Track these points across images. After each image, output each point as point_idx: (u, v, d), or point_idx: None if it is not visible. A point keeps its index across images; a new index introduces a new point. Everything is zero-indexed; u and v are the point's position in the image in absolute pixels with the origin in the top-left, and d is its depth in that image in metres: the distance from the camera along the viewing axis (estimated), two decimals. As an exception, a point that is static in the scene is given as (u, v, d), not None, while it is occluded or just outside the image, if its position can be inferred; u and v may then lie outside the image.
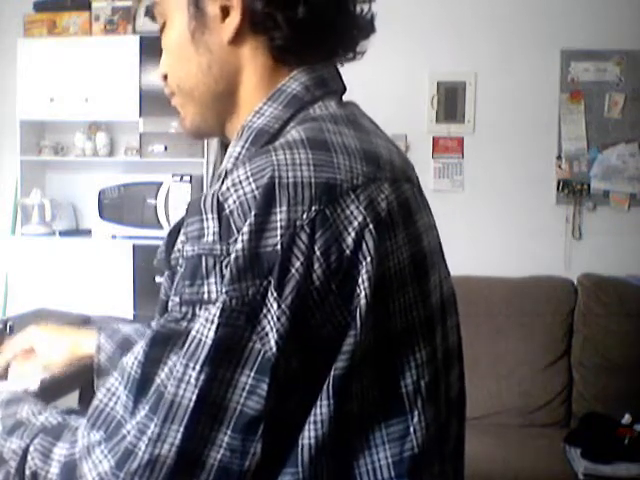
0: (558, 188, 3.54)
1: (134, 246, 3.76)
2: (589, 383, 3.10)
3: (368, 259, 0.68)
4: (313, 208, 0.67)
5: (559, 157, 3.54)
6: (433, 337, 0.76)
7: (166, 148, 3.91)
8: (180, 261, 0.72)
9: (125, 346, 1.18)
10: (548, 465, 2.68)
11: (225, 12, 0.79)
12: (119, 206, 3.89)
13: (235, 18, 0.78)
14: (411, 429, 0.73)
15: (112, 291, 3.73)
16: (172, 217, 3.73)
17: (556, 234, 3.54)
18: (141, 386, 0.71)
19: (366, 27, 0.87)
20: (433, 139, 3.63)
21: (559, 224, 3.55)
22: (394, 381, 0.73)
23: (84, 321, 1.86)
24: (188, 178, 3.71)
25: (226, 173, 0.72)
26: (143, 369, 0.71)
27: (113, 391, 0.74)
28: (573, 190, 3.52)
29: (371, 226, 0.69)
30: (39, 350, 1.24)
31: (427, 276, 0.75)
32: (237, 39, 0.80)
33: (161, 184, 3.79)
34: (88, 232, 4.03)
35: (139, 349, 0.72)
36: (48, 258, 3.89)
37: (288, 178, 0.68)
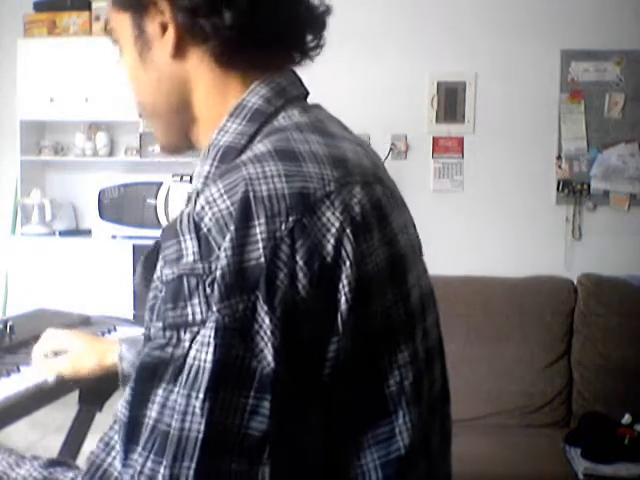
0: (558, 188, 3.54)
1: (134, 246, 3.76)
2: (589, 383, 3.10)
3: (347, 264, 0.68)
4: (290, 219, 0.67)
5: (559, 157, 3.54)
6: (414, 337, 0.76)
7: (166, 148, 3.90)
8: (160, 286, 0.70)
9: None
10: (548, 465, 2.68)
11: (163, 28, 0.80)
12: (119, 206, 3.90)
13: (171, 33, 0.79)
14: (397, 430, 0.73)
15: (112, 291, 3.73)
16: (172, 217, 3.73)
17: (556, 234, 3.55)
18: (132, 430, 0.68)
19: (315, 23, 0.85)
20: (433, 139, 3.63)
21: (559, 224, 3.55)
22: (378, 383, 0.73)
23: (84, 321, 1.86)
24: (188, 178, 3.71)
25: (197, 193, 0.71)
26: (130, 409, 0.68)
27: (108, 442, 0.72)
28: (573, 190, 3.52)
29: (348, 230, 0.69)
30: (72, 354, 1.31)
31: (405, 276, 0.75)
32: (180, 52, 0.80)
33: (161, 184, 3.79)
34: (88, 232, 4.03)
35: (127, 388, 0.70)
36: (48, 258, 3.89)
37: (262, 191, 0.68)
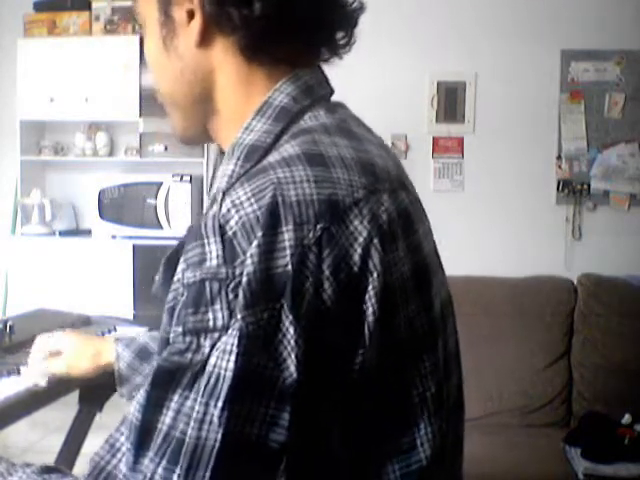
0: (558, 188, 3.54)
1: (134, 246, 3.76)
2: (589, 383, 3.10)
3: (375, 274, 0.67)
4: (319, 226, 0.65)
5: (559, 157, 3.54)
6: (436, 347, 0.75)
7: (166, 148, 3.91)
8: (181, 290, 0.68)
9: (142, 354, 1.24)
10: (548, 465, 2.68)
11: (190, 16, 0.77)
12: (119, 206, 3.90)
13: (198, 21, 0.77)
14: (418, 442, 0.72)
15: (112, 291, 3.73)
16: (172, 217, 3.73)
17: (556, 234, 3.55)
18: (144, 434, 0.66)
19: (346, 19, 0.82)
20: (433, 139, 3.63)
21: (559, 224, 3.55)
22: (400, 394, 0.72)
23: (84, 321, 1.86)
24: (188, 178, 3.71)
25: (223, 194, 0.70)
26: (144, 413, 0.66)
27: (113, 443, 0.69)
28: (573, 190, 3.52)
29: (375, 240, 0.67)
30: (66, 355, 1.30)
31: (429, 286, 0.74)
32: (206, 42, 0.78)
33: (161, 184, 3.79)
34: (88, 232, 4.03)
35: (142, 391, 0.68)
36: (48, 258, 3.89)
37: (291, 196, 0.66)
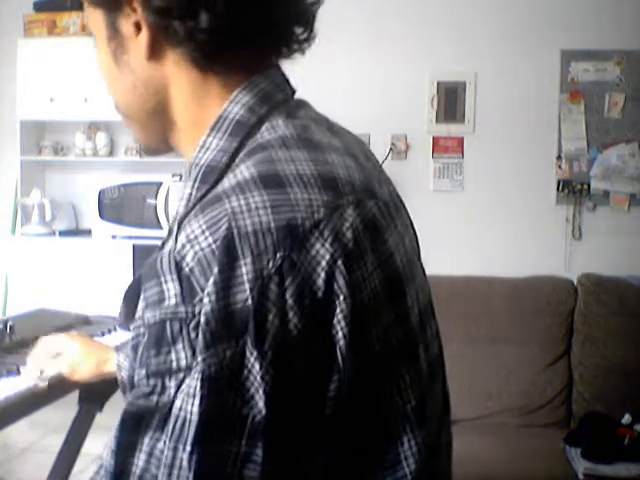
0: (558, 188, 3.54)
1: (134, 246, 3.76)
2: (589, 383, 3.10)
3: (341, 297, 0.64)
4: (278, 255, 0.63)
5: (559, 157, 3.54)
6: (417, 357, 0.73)
7: (166, 148, 3.91)
8: (142, 330, 0.67)
9: None
10: (548, 465, 2.68)
11: (138, 28, 0.75)
12: (119, 206, 3.90)
13: (145, 34, 0.74)
14: (402, 456, 0.71)
15: (112, 291, 3.73)
16: (172, 217, 3.74)
17: (556, 234, 3.55)
18: (119, 478, 0.65)
19: (303, 15, 0.78)
20: (433, 139, 3.63)
21: (559, 224, 3.55)
22: (380, 410, 0.70)
23: (84, 321, 1.86)
24: (188, 178, 3.70)
25: (179, 227, 0.68)
26: (116, 459, 0.66)
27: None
28: (573, 190, 3.52)
29: (339, 262, 0.64)
30: (70, 359, 1.32)
31: (403, 296, 0.72)
32: (156, 55, 0.75)
33: (161, 184, 3.79)
34: (88, 232, 4.03)
35: (111, 436, 0.67)
36: (48, 258, 3.89)
37: (246, 226, 0.63)
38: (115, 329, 1.75)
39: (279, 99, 0.77)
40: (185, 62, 0.75)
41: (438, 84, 3.60)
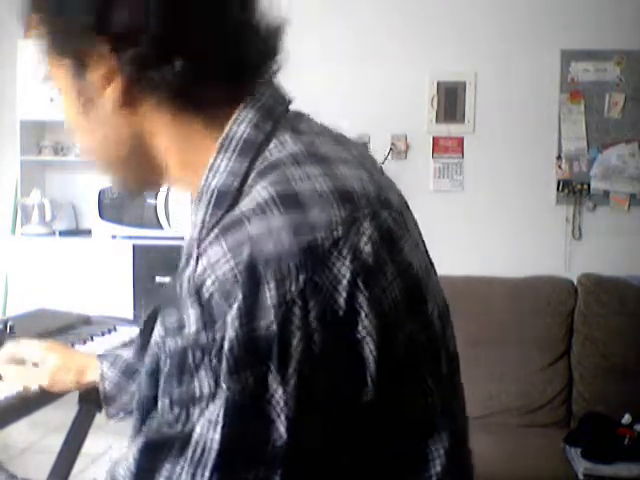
0: (558, 188, 3.54)
1: (134, 246, 3.76)
2: (589, 383, 3.10)
3: (362, 314, 0.65)
4: (301, 278, 0.62)
5: (559, 157, 3.54)
6: (439, 361, 0.74)
7: (166, 148, 3.91)
8: (163, 357, 0.67)
9: (128, 372, 1.21)
10: (548, 465, 2.68)
11: (108, 80, 0.72)
12: (119, 206, 3.90)
13: (118, 84, 0.72)
14: (429, 458, 0.72)
15: (112, 291, 3.73)
16: (172, 217, 3.74)
17: (556, 234, 3.55)
18: None
19: (272, 52, 0.77)
20: (433, 139, 3.63)
21: (559, 224, 3.55)
22: (406, 419, 0.70)
23: (84, 321, 1.86)
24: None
25: (198, 251, 0.67)
26: None
27: None
28: (573, 190, 3.52)
29: (359, 279, 0.65)
30: (49, 369, 1.27)
31: (424, 302, 0.73)
32: (129, 105, 0.73)
33: (161, 184, 3.79)
34: (88, 232, 4.03)
35: (130, 457, 0.67)
36: (48, 258, 3.89)
37: (269, 250, 0.63)
38: (115, 329, 1.75)
39: (280, 112, 0.77)
40: (159, 108, 0.73)
41: (438, 84, 3.60)
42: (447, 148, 3.62)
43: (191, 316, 0.64)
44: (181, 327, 0.64)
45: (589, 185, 3.52)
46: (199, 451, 0.63)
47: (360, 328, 0.64)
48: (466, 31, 3.57)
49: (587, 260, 3.47)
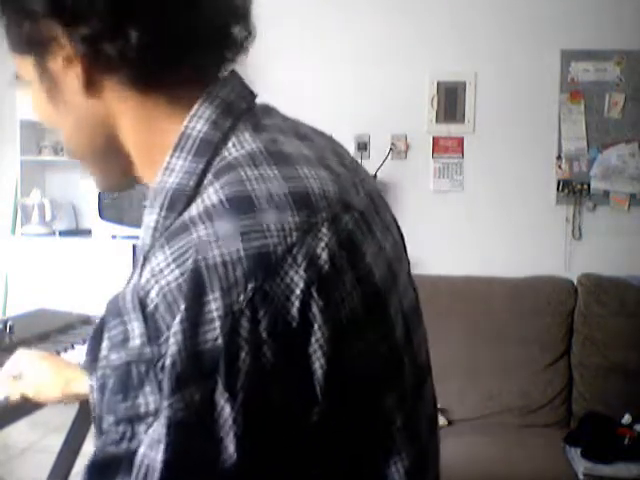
0: (558, 188, 3.54)
1: (134, 246, 3.76)
2: (589, 383, 3.10)
3: (315, 326, 0.60)
4: (249, 287, 0.58)
5: (559, 157, 3.54)
6: (401, 372, 0.70)
7: (166, 148, 3.91)
8: (108, 372, 0.62)
9: None
10: (548, 465, 2.68)
11: (69, 63, 0.69)
12: (119, 206, 3.90)
13: (77, 67, 0.69)
14: (389, 478, 0.68)
15: (112, 291, 3.72)
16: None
17: (556, 234, 3.55)
18: None
19: (237, 13, 0.74)
20: (433, 139, 3.62)
21: (559, 224, 3.55)
22: (364, 434, 0.67)
23: (84, 321, 1.86)
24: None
25: (144, 259, 0.63)
26: None
27: None
28: (573, 190, 3.52)
29: (313, 288, 0.60)
30: (34, 381, 1.25)
31: (385, 310, 0.68)
32: (93, 87, 0.70)
33: (161, 184, 3.79)
34: (88, 232, 4.03)
35: (80, 478, 0.64)
36: (48, 258, 3.89)
37: (215, 257, 0.59)
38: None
39: (242, 108, 0.73)
40: (125, 88, 0.70)
41: (438, 84, 3.60)
42: (447, 148, 3.62)
43: (135, 329, 0.60)
44: (125, 340, 0.61)
45: (589, 185, 3.52)
46: (142, 472, 0.59)
47: (312, 340, 0.61)
48: (466, 31, 3.57)
49: (587, 260, 3.47)
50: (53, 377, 1.24)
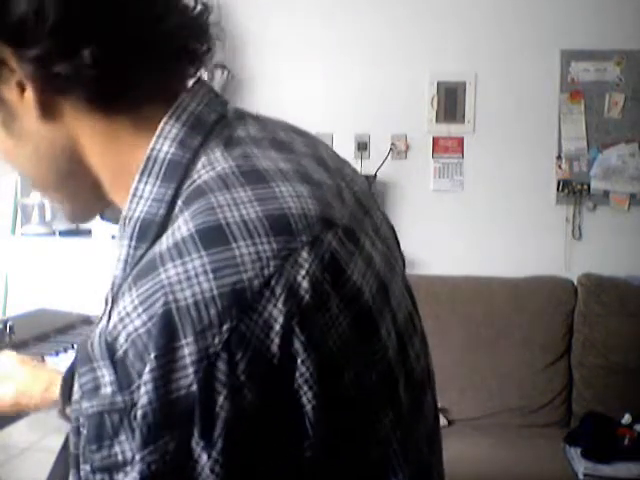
0: (558, 188, 3.54)
1: (134, 246, 3.76)
2: (589, 383, 3.10)
3: (299, 361, 0.57)
4: (224, 327, 0.55)
5: (559, 157, 3.54)
6: (395, 392, 0.67)
7: (166, 148, 3.90)
8: (81, 420, 0.60)
9: None
10: (548, 465, 2.68)
11: (21, 88, 0.66)
12: (119, 206, 3.89)
13: (30, 92, 0.65)
14: None
15: (112, 291, 3.73)
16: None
17: (556, 234, 3.55)
18: None
19: (195, 29, 0.70)
20: (433, 139, 3.62)
21: (559, 224, 3.55)
22: (360, 461, 0.64)
23: (84, 321, 1.86)
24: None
25: (113, 300, 0.61)
26: None
27: None
28: (573, 190, 3.52)
29: (295, 321, 0.57)
30: (15, 386, 1.20)
31: (377, 331, 0.64)
32: (49, 111, 0.66)
33: (161, 184, 3.79)
34: (88, 232, 4.03)
35: None
36: (48, 258, 3.89)
37: (186, 299, 0.55)
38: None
39: (212, 120, 0.68)
40: (84, 109, 0.67)
41: (438, 84, 3.60)
42: (447, 148, 3.62)
43: (105, 377, 0.57)
44: (96, 388, 0.58)
45: (589, 185, 3.52)
46: None
47: (297, 376, 0.57)
48: (466, 31, 3.57)
49: (587, 260, 3.47)
50: (34, 384, 1.19)
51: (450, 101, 3.60)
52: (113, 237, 3.88)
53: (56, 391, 1.15)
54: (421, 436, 0.73)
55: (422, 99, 3.61)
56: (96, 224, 3.94)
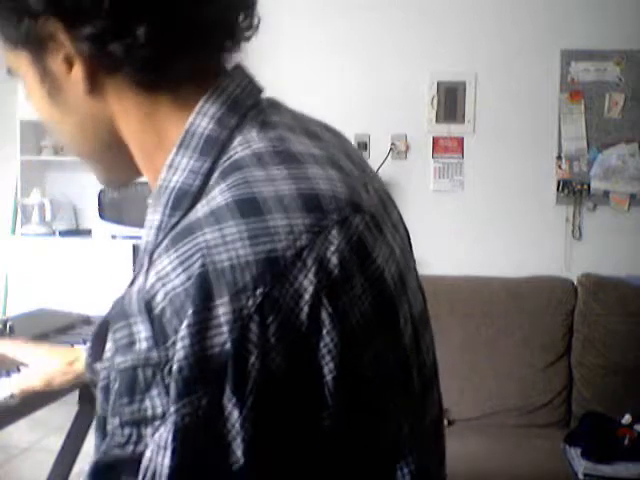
0: (558, 188, 3.54)
1: (134, 246, 3.76)
2: (589, 383, 3.10)
3: (324, 331, 0.59)
4: (258, 291, 0.57)
5: (559, 157, 3.54)
6: (409, 378, 0.69)
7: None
8: (113, 375, 0.61)
9: None
10: (548, 465, 2.68)
11: (69, 63, 0.67)
12: (119, 206, 3.90)
13: (79, 67, 0.67)
14: None
15: (112, 291, 3.73)
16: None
17: (556, 234, 3.55)
18: None
19: (243, 2, 0.72)
20: (433, 139, 3.63)
21: (559, 224, 3.55)
22: (372, 439, 0.66)
23: (84, 321, 1.86)
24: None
25: (149, 260, 0.62)
26: None
27: None
28: (573, 190, 3.52)
29: (323, 293, 0.59)
30: (38, 370, 1.24)
31: (395, 315, 0.67)
32: (96, 87, 0.68)
33: (161, 184, 3.79)
34: (88, 232, 4.04)
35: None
36: (48, 258, 3.89)
37: (222, 262, 0.58)
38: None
39: (249, 105, 0.71)
40: (126, 87, 0.68)
41: (438, 84, 3.60)
42: (447, 148, 3.62)
43: (141, 332, 0.59)
44: (131, 343, 0.60)
45: (589, 185, 3.52)
46: (149, 476, 0.58)
47: (321, 345, 0.59)
48: (466, 31, 3.57)
49: (587, 260, 3.47)
50: (53, 358, 1.23)
51: (450, 101, 3.61)
52: (113, 237, 3.88)
53: (79, 363, 1.19)
54: (429, 424, 0.75)
55: (422, 99, 3.61)
56: (96, 224, 3.94)
